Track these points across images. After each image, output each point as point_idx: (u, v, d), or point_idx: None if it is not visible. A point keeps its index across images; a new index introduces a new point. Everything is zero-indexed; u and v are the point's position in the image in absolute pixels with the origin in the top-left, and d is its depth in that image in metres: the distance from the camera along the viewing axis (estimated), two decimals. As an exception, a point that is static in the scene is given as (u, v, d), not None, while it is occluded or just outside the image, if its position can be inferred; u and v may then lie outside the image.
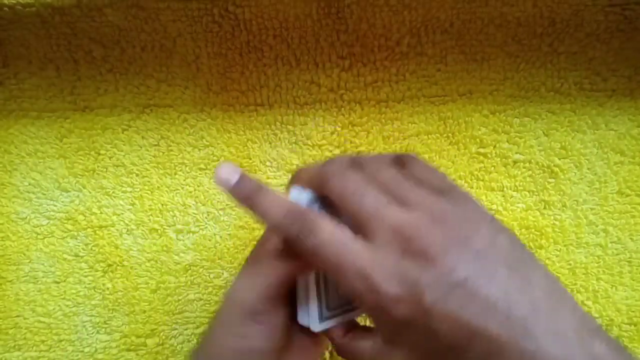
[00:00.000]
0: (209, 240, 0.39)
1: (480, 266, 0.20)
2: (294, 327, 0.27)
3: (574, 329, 0.19)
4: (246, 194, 0.24)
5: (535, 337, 0.19)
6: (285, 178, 0.39)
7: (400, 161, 0.25)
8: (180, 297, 0.39)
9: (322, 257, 0.22)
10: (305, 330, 0.26)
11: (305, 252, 0.23)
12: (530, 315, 0.19)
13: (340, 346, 0.26)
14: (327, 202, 0.25)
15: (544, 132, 0.39)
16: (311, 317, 0.26)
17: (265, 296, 0.25)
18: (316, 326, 0.26)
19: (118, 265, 0.39)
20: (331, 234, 0.22)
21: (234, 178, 0.25)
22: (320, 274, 0.26)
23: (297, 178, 0.26)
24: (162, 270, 0.39)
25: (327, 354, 0.38)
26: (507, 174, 0.39)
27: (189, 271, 0.39)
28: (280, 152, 0.40)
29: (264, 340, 0.25)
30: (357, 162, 0.25)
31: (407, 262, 0.21)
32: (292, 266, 0.25)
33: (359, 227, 0.22)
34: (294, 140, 0.40)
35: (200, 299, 0.39)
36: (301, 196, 0.25)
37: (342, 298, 0.27)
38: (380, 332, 0.23)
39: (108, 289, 0.39)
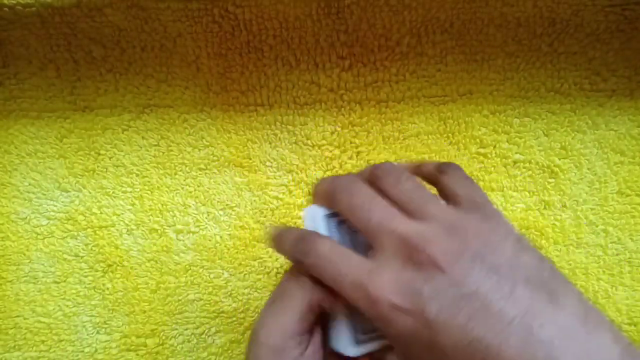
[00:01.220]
0: (209, 240, 0.39)
1: (495, 280, 0.18)
2: (324, 353, 0.25)
3: None
4: (274, 240, 0.26)
5: None
6: (286, 178, 0.40)
7: (441, 169, 0.25)
8: (180, 297, 0.39)
9: (321, 272, 0.22)
10: (337, 356, 0.25)
11: (308, 270, 0.23)
12: (558, 339, 0.17)
13: None
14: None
15: (544, 132, 0.39)
16: (344, 341, 0.24)
17: (293, 332, 0.23)
18: (351, 350, 0.24)
19: (118, 265, 0.39)
20: (328, 251, 0.22)
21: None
22: None
23: (314, 191, 0.26)
24: (162, 271, 0.39)
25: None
26: (507, 174, 0.39)
27: (189, 271, 0.39)
28: (280, 152, 0.40)
29: None
30: (374, 174, 0.24)
31: (410, 271, 0.19)
32: (316, 296, 0.24)
33: (370, 243, 0.22)
34: (294, 140, 0.40)
35: (200, 299, 0.39)
36: (315, 213, 0.25)
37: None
38: (394, 347, 0.23)
39: (108, 289, 0.39)
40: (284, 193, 0.39)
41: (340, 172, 0.39)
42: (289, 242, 0.24)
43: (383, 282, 0.20)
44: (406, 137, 0.39)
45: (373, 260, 0.21)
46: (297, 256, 0.23)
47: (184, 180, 0.39)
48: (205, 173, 0.40)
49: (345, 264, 0.21)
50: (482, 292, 0.18)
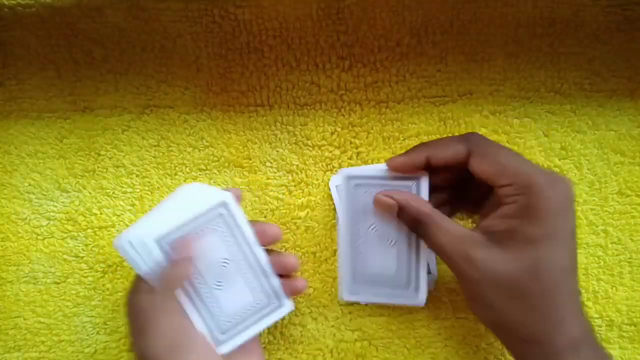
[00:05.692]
0: (209, 240, 0.39)
1: None
2: None
3: None
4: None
5: None
6: (285, 178, 0.39)
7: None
8: (180, 298, 0.39)
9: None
10: None
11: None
12: None
13: None
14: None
15: (544, 133, 0.39)
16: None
17: (180, 327, 0.30)
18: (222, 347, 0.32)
19: (118, 265, 0.39)
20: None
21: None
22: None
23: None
24: (162, 271, 0.39)
25: (328, 353, 0.38)
26: (507, 175, 0.39)
27: (189, 272, 0.39)
28: (280, 152, 0.40)
29: None
30: None
31: None
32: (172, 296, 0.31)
33: None
34: (294, 141, 0.40)
35: (201, 300, 0.39)
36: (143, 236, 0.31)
37: (234, 317, 0.33)
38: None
39: (108, 289, 0.39)
40: (284, 193, 0.39)
41: (341, 172, 0.39)
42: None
43: None
44: (406, 138, 0.39)
45: None
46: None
47: (184, 181, 0.39)
48: (206, 173, 0.40)
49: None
50: None
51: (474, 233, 0.28)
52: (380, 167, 0.33)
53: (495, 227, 0.28)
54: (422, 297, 0.33)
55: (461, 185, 0.33)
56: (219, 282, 0.32)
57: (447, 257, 0.29)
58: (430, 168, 0.31)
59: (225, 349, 0.32)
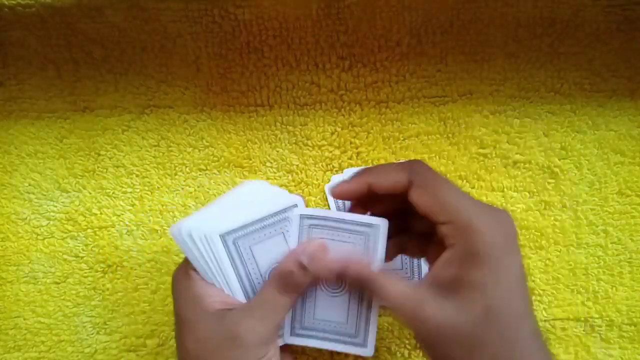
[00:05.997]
0: (209, 240, 0.39)
1: None
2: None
3: None
4: (374, 171, 0.30)
5: None
6: (285, 178, 0.39)
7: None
8: (180, 298, 0.39)
9: (435, 194, 0.27)
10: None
11: (416, 185, 0.27)
12: None
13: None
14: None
15: (544, 133, 0.39)
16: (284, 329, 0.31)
17: (278, 327, 0.29)
18: (286, 338, 0.31)
19: (118, 265, 0.39)
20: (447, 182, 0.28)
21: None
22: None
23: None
24: (162, 271, 0.39)
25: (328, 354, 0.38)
26: (507, 175, 0.39)
27: (189, 272, 0.39)
28: (280, 152, 0.40)
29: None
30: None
31: None
32: (294, 299, 0.29)
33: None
34: (294, 141, 0.40)
35: (201, 300, 0.39)
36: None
37: (319, 323, 0.31)
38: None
39: (108, 289, 0.39)
40: (284, 193, 0.39)
41: (340, 172, 0.39)
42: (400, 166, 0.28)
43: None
44: (406, 138, 0.39)
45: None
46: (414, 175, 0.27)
47: (184, 181, 0.39)
48: (206, 173, 0.40)
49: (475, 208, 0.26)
50: None
51: (421, 289, 0.27)
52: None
53: (441, 276, 0.27)
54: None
55: (405, 220, 0.31)
56: (333, 289, 0.31)
57: (399, 316, 0.28)
58: (373, 196, 0.29)
59: (291, 340, 0.31)
